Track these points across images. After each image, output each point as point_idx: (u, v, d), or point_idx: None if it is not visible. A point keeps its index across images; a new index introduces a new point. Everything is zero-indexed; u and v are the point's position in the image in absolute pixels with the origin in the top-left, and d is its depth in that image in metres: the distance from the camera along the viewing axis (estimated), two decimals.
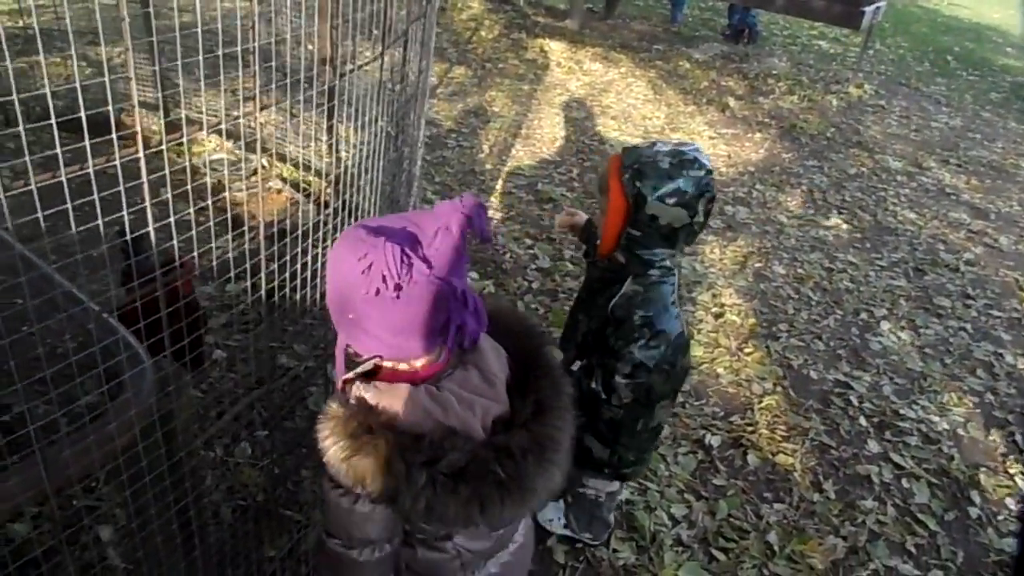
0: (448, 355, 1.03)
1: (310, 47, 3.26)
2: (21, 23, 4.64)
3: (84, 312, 1.27)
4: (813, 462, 2.58)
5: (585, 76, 6.50)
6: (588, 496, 2.03)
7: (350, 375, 1.02)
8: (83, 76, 4.57)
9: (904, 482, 2.56)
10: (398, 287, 0.88)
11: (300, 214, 3.56)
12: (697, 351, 3.05)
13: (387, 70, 2.43)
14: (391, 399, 0.97)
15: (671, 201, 1.48)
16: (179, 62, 1.23)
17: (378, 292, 0.88)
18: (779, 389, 2.91)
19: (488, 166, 4.54)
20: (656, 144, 1.54)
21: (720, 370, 2.97)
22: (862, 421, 2.82)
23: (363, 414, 0.96)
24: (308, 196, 3.61)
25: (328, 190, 3.05)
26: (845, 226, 4.37)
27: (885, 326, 3.43)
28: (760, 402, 2.82)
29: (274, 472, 2.25)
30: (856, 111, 6.42)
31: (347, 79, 2.03)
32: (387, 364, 1.02)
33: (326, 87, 1.94)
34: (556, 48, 7.03)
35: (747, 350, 3.11)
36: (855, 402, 2.91)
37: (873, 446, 2.70)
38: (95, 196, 1.04)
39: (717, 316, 3.31)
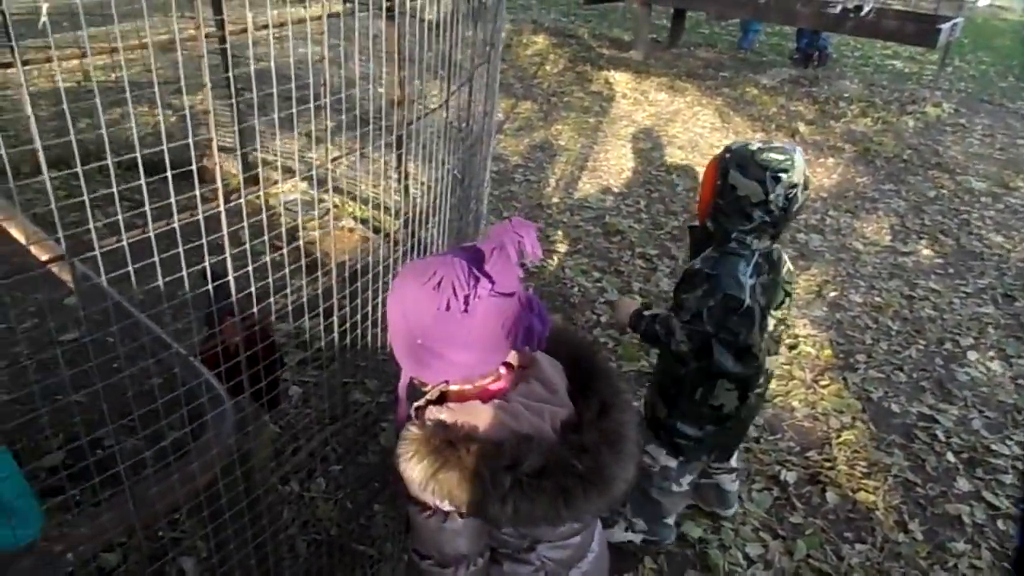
0: (511, 374, 1.09)
1: (380, 90, 3.40)
2: (113, 76, 4.96)
3: (171, 356, 1.34)
4: (897, 500, 2.47)
5: (651, 106, 6.50)
6: (643, 463, 2.05)
7: (421, 401, 1.07)
8: (168, 124, 4.84)
9: (1000, 524, 2.42)
10: (467, 299, 0.93)
11: (372, 252, 3.66)
12: (771, 384, 2.97)
13: (453, 112, 2.51)
14: (466, 415, 1.02)
15: (749, 175, 1.67)
16: (255, 109, 1.30)
17: (448, 307, 0.93)
18: (858, 423, 2.81)
19: (555, 200, 4.58)
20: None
21: (795, 403, 2.89)
22: (950, 457, 2.68)
23: (443, 431, 1.00)
24: (379, 234, 3.71)
25: (399, 229, 3.14)
26: (926, 251, 4.21)
27: (972, 356, 3.27)
28: (838, 436, 2.72)
29: (347, 506, 2.31)
30: (934, 131, 6.21)
31: (416, 122, 2.11)
32: (454, 388, 1.07)
33: (394, 131, 2.01)
34: (621, 79, 7.06)
35: (823, 382, 3.02)
36: (942, 437, 2.77)
37: (963, 484, 2.57)
38: (179, 248, 1.12)
39: (791, 348, 3.22)
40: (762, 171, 1.66)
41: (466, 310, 0.93)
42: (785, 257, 1.90)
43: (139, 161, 1.05)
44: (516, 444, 0.99)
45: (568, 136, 5.77)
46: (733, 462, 2.26)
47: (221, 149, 4.49)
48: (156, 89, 1.31)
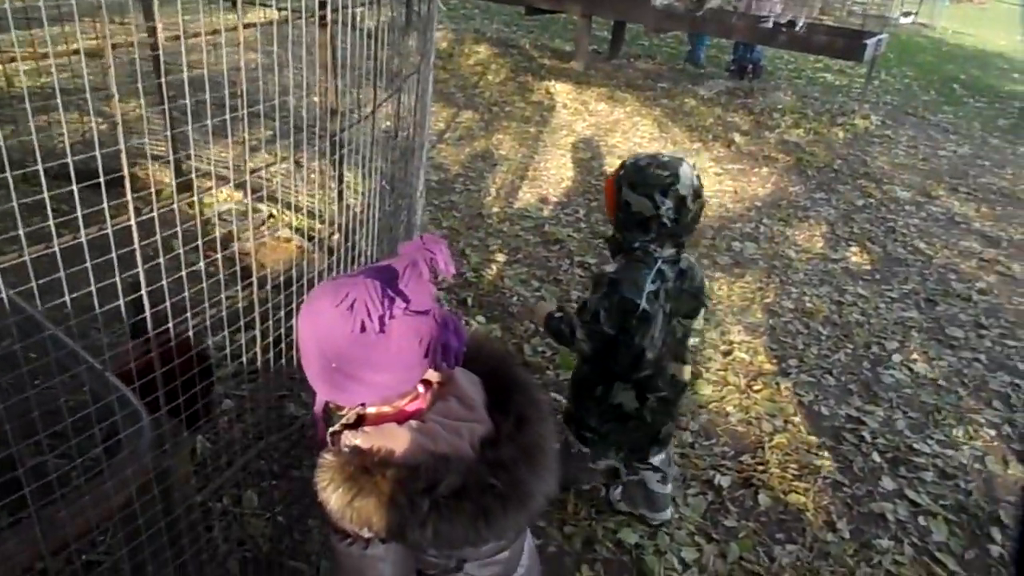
0: (429, 392, 1.08)
1: (314, 99, 3.35)
2: (40, 81, 4.79)
3: (85, 372, 1.29)
4: (826, 501, 2.54)
5: (591, 116, 6.58)
6: (569, 442, 2.27)
7: (337, 426, 1.06)
8: (99, 132, 4.69)
9: (921, 520, 2.51)
10: (381, 320, 0.91)
11: (306, 262, 3.61)
12: (706, 390, 3.03)
13: (386, 121, 2.50)
14: (382, 439, 1.00)
15: (639, 191, 1.81)
16: (189, 116, 1.28)
17: (363, 328, 0.91)
18: (790, 427, 2.88)
19: (495, 209, 4.59)
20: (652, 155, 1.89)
21: (729, 408, 2.95)
22: (876, 457, 2.77)
23: (358, 457, 0.98)
24: (313, 242, 3.66)
25: (333, 237, 3.13)
26: (855, 258, 4.35)
27: (897, 359, 3.39)
28: (771, 440, 2.79)
29: (280, 522, 2.26)
30: (863, 142, 6.44)
31: (349, 130, 2.10)
32: (371, 411, 1.06)
33: (327, 139, 2.00)
34: (562, 90, 7.13)
35: (757, 387, 3.08)
36: (868, 438, 2.86)
37: (888, 483, 2.65)
38: (113, 255, 1.08)
39: (726, 354, 3.29)
40: (650, 187, 1.79)
41: (382, 330, 0.92)
42: (697, 268, 2.04)
43: (71, 168, 1.02)
44: (433, 466, 0.98)
45: (509, 146, 5.79)
46: (656, 462, 2.27)
47: (154, 157, 4.39)
48: (88, 95, 1.27)
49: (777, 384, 3.12)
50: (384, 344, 0.94)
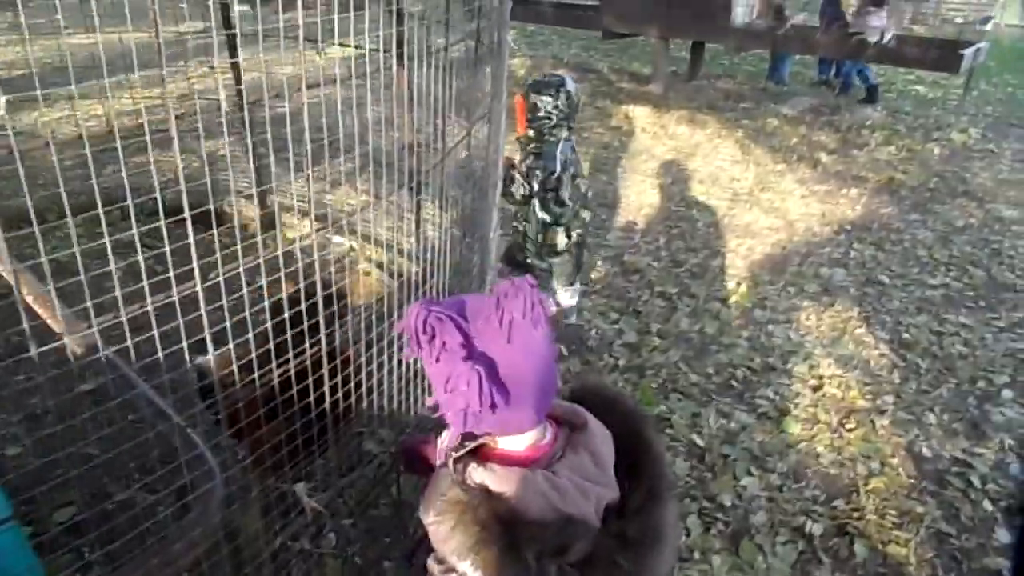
0: (557, 432, 1.03)
1: (395, 134, 3.42)
2: (136, 122, 5.07)
3: (169, 427, 1.32)
4: (930, 554, 2.36)
5: (671, 140, 6.48)
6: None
7: (461, 452, 1.00)
8: (189, 169, 4.91)
9: None
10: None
11: (388, 298, 3.66)
12: (794, 428, 2.89)
13: (465, 155, 2.53)
14: (510, 484, 0.95)
15: (543, 94, 2.86)
16: (271, 151, 1.34)
17: (510, 339, 0.92)
18: (887, 469, 2.71)
19: None
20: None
21: (820, 449, 2.80)
22: (987, 505, 2.57)
23: (489, 502, 0.93)
24: (394, 278, 3.70)
25: (416, 271, 3.19)
26: (955, 284, 4.09)
27: (1008, 395, 3.15)
28: (866, 484, 2.62)
29: (357, 563, 2.26)
30: (961, 158, 6.10)
31: (426, 165, 2.14)
32: (500, 446, 1.01)
33: (413, 177, 2.04)
34: (640, 114, 7.06)
35: (850, 426, 2.92)
36: (977, 483, 2.66)
37: (1003, 535, 2.45)
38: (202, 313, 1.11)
39: (815, 389, 3.14)
40: (549, 88, 2.85)
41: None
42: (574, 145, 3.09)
43: (160, 204, 1.10)
44: (563, 527, 0.93)
45: (587, 173, 5.75)
46: (577, 286, 3.36)
47: (239, 193, 4.56)
48: (175, 135, 1.34)
49: (872, 422, 2.94)
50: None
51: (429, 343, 0.90)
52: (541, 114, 2.87)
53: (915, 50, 6.42)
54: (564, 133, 2.94)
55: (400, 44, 3.29)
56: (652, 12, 7.54)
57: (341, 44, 3.81)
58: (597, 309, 3.71)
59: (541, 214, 3.01)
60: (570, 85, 2.90)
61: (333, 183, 4.37)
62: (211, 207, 1.08)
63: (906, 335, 3.56)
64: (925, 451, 2.81)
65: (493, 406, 0.90)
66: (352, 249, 4.10)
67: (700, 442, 2.80)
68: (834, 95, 7.63)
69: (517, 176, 2.93)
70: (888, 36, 6.40)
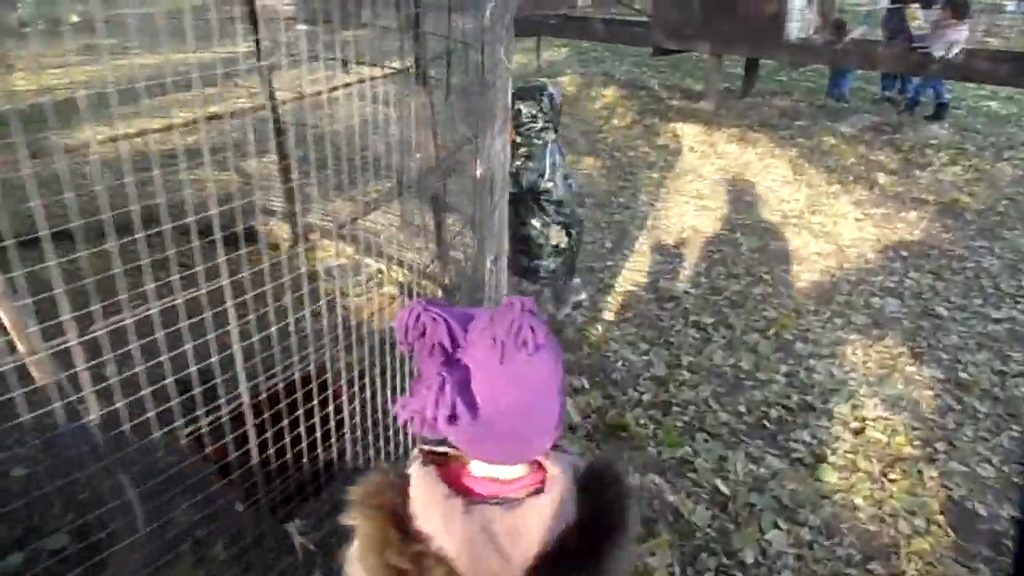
0: (536, 476, 0.94)
1: (417, 155, 3.35)
2: (170, 145, 5.15)
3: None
4: None
5: (720, 159, 6.25)
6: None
7: (426, 448, 0.98)
8: (222, 188, 4.96)
9: None
10: (534, 345, 0.87)
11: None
12: (830, 476, 2.66)
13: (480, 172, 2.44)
14: (422, 490, 0.91)
15: (526, 101, 3.07)
16: (295, 171, 1.28)
17: (502, 359, 0.88)
18: (934, 528, 2.45)
19: (609, 263, 4.38)
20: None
21: (859, 501, 2.55)
22: None
23: (385, 496, 0.92)
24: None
25: (438, 293, 3.13)
26: (1022, 318, 3.76)
27: None
28: (909, 544, 2.37)
29: None
30: None
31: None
32: (470, 467, 0.95)
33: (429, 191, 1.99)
34: (690, 132, 6.85)
35: (893, 476, 2.67)
36: None
37: None
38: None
39: (857, 433, 2.89)
40: (532, 94, 3.09)
41: (501, 362, 0.86)
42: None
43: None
44: (431, 564, 0.87)
45: (629, 194, 5.58)
46: (576, 280, 3.65)
47: (269, 212, 4.56)
48: (206, 157, 1.38)
49: (919, 473, 2.68)
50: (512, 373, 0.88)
51: (418, 339, 0.87)
52: (525, 119, 3.09)
53: (986, 64, 6.04)
54: (551, 136, 3.15)
55: (419, 64, 3.23)
56: (703, 28, 7.33)
57: (360, 63, 3.77)
58: (626, 339, 3.53)
59: (539, 215, 3.20)
60: (551, 90, 3.15)
61: (364, 205, 4.32)
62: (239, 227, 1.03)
63: (964, 374, 3.27)
64: (980, 509, 2.54)
65: (452, 417, 0.83)
66: (379, 271, 4.03)
67: (725, 489, 2.59)
68: (898, 112, 7.25)
69: (508, 175, 3.00)
70: (956, 50, 6.04)
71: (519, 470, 0.94)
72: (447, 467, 0.96)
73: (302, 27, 3.61)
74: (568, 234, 3.30)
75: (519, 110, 3.09)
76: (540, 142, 3.14)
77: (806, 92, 8.42)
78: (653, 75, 9.48)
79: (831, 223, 4.91)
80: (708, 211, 5.18)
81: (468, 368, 0.87)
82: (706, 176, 5.90)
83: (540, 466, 0.94)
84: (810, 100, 7.95)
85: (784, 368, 3.30)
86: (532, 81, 3.20)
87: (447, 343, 0.86)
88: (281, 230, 4.52)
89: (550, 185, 3.17)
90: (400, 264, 4.13)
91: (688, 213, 5.17)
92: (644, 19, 8.36)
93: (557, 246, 3.29)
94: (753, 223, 4.94)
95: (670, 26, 7.65)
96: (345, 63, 3.70)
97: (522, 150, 3.14)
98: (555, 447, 0.96)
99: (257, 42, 3.88)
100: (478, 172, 2.48)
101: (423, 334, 0.86)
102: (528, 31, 9.16)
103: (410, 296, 3.72)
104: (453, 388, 0.83)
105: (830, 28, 7.16)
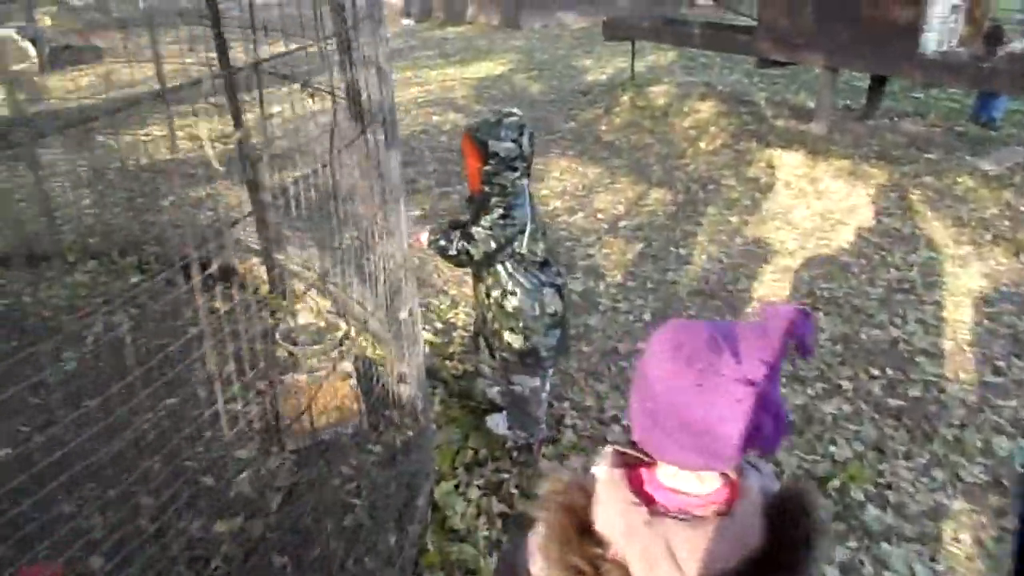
0: (727, 492, 0.93)
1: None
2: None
3: None
4: None
5: (819, 200, 5.12)
6: (515, 392, 2.59)
7: (620, 447, 0.98)
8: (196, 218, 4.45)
9: None
10: (702, 373, 0.85)
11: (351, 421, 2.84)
12: None
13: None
14: (608, 494, 0.93)
15: (503, 139, 2.31)
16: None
17: (677, 375, 0.86)
18: None
19: (642, 344, 3.45)
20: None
21: None
22: None
23: (570, 494, 0.95)
24: (364, 398, 2.87)
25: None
26: None
27: None
28: None
29: None
30: None
31: None
32: (666, 477, 0.94)
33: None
34: (789, 161, 5.72)
35: None
36: None
37: None
38: None
39: None
40: (511, 132, 2.32)
41: (700, 386, 0.85)
42: None
43: None
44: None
45: (697, 242, 4.60)
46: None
47: (250, 251, 3.96)
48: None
49: None
50: (696, 400, 0.85)
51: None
52: (501, 165, 2.33)
53: None
54: (525, 180, 2.44)
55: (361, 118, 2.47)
56: (817, 37, 6.13)
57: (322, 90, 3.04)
58: None
59: (527, 280, 2.44)
60: (524, 117, 2.42)
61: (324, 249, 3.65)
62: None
63: None
64: None
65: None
66: (346, 337, 3.32)
67: None
68: None
69: (480, 230, 2.33)
70: None
71: (707, 485, 0.92)
72: (634, 469, 0.95)
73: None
74: (561, 295, 2.53)
75: (494, 153, 2.31)
76: (517, 189, 2.38)
77: (945, 114, 6.98)
78: (762, 88, 8.28)
79: (952, 303, 3.75)
80: (788, 274, 4.13)
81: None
82: (797, 224, 4.80)
83: (730, 483, 0.93)
84: (949, 125, 6.54)
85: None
86: (498, 112, 2.38)
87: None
88: (260, 271, 3.90)
89: (532, 243, 2.41)
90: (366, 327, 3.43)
91: (764, 274, 4.14)
92: (750, 23, 7.21)
93: (554, 314, 2.49)
94: (843, 297, 3.85)
95: (778, 33, 6.49)
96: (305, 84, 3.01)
97: (495, 201, 2.36)
98: (748, 462, 0.95)
99: (223, 56, 3.25)
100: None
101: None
102: (623, 35, 8.21)
103: (363, 392, 2.99)
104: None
105: (980, 41, 5.80)
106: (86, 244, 4.26)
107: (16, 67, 7.36)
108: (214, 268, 1.67)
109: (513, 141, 2.31)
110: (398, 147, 2.25)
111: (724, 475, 0.93)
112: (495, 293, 2.46)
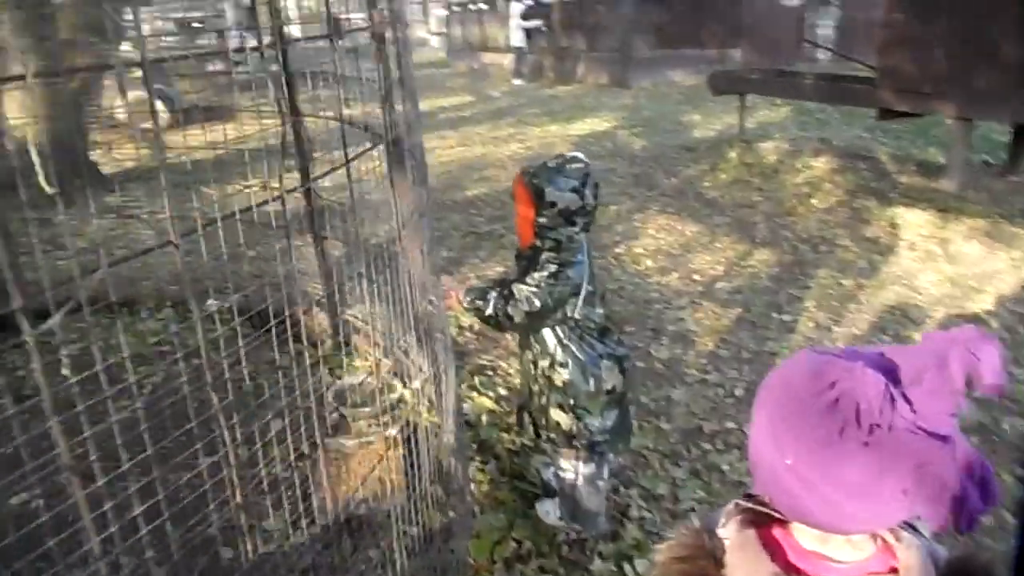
0: (883, 553, 0.79)
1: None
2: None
3: None
4: None
5: (950, 264, 4.52)
6: (566, 479, 2.26)
7: (745, 503, 0.83)
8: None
9: None
10: (873, 429, 0.68)
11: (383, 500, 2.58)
12: None
13: None
14: (737, 555, 0.81)
15: (563, 188, 1.99)
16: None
17: (843, 432, 0.69)
18: None
19: (729, 424, 3.03)
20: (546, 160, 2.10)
21: None
22: None
23: (705, 559, 0.83)
24: (401, 476, 2.61)
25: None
26: None
27: None
28: None
29: None
30: None
31: None
32: (800, 532, 0.80)
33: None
34: (914, 221, 5.14)
35: None
36: None
37: None
38: None
39: None
40: (572, 181, 2.01)
41: (867, 444, 0.68)
42: None
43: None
44: None
45: (803, 308, 4.12)
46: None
47: (316, 304, 3.83)
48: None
49: None
50: (863, 459, 0.69)
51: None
52: (561, 216, 2.02)
53: None
54: (584, 236, 2.11)
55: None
56: (948, 84, 5.55)
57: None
58: None
59: (581, 350, 2.10)
60: (590, 164, 2.11)
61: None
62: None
63: None
64: None
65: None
66: (400, 400, 3.09)
67: None
68: None
69: (523, 288, 2.01)
70: None
71: (860, 551, 0.78)
72: (766, 529, 0.82)
73: None
74: (622, 369, 2.17)
75: (551, 203, 1.99)
76: (573, 247, 2.06)
77: None
78: (884, 142, 7.66)
79: None
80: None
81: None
82: (923, 289, 4.23)
83: (887, 547, 0.78)
84: None
85: None
86: (561, 156, 2.07)
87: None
88: (322, 323, 3.76)
89: (588, 308, 2.08)
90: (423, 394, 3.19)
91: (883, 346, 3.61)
92: (868, 74, 6.68)
93: (612, 390, 2.14)
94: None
95: (902, 81, 5.94)
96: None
97: (547, 257, 2.04)
98: (908, 525, 0.79)
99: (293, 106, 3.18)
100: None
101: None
102: (731, 89, 7.83)
103: (407, 465, 2.74)
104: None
105: None
106: (164, 291, 4.28)
107: (144, 125, 7.84)
108: (274, 321, 1.55)
109: (574, 191, 2.00)
110: (427, 191, 2.04)
111: (875, 536, 0.78)
112: (543, 363, 2.14)
